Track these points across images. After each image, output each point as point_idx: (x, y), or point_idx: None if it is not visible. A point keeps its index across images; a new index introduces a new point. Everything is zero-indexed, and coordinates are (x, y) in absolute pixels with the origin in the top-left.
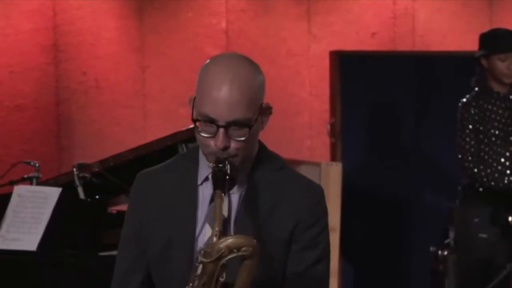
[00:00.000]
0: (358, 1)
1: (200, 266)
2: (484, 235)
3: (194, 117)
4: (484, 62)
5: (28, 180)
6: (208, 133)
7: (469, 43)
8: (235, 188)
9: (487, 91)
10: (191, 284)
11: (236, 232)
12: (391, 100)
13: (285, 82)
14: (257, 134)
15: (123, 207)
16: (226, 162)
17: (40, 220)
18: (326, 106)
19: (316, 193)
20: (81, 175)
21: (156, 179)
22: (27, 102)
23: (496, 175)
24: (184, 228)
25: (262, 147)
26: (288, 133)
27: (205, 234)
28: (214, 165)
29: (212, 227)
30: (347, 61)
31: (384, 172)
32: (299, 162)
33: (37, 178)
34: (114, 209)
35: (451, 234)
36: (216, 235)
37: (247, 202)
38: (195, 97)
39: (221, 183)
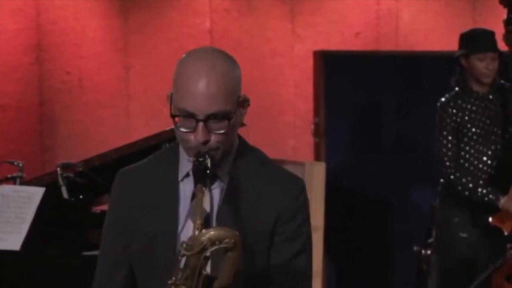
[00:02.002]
0: (342, 1)
1: (183, 260)
2: (464, 235)
3: (173, 112)
4: (463, 61)
5: (12, 180)
6: (187, 128)
7: (453, 43)
8: (217, 183)
9: (466, 91)
10: (174, 278)
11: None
12: (375, 100)
13: (269, 82)
14: (237, 127)
15: (107, 207)
16: (207, 156)
17: (23, 219)
18: (310, 106)
19: (298, 186)
20: (65, 174)
21: (137, 176)
22: (10, 102)
23: (471, 185)
24: (166, 224)
25: (242, 141)
26: (272, 133)
27: (188, 230)
28: (194, 159)
29: (194, 221)
30: (331, 61)
31: (367, 171)
32: (283, 162)
33: (21, 178)
34: (98, 208)
35: (434, 233)
36: (198, 228)
37: (229, 196)
38: (172, 93)
39: (202, 177)
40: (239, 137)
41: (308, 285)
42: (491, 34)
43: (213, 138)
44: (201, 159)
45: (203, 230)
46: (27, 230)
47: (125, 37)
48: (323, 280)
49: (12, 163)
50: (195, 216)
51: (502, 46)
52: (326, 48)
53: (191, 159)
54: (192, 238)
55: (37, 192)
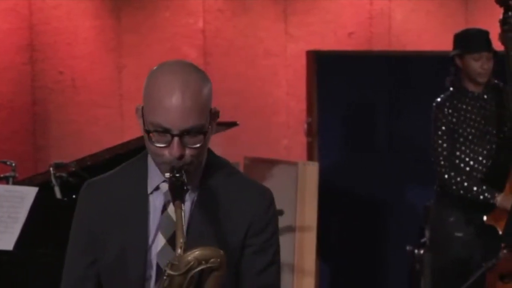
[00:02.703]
0: (335, 1)
1: (167, 280)
2: (459, 234)
3: (146, 127)
4: (458, 61)
5: (4, 180)
6: (162, 143)
7: (445, 43)
8: (187, 195)
9: (461, 91)
10: None
11: (190, 239)
12: (368, 99)
13: (262, 82)
14: (209, 140)
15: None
16: (183, 172)
17: (16, 219)
18: (303, 105)
19: (267, 198)
20: (57, 174)
21: (105, 187)
22: (3, 102)
23: (466, 184)
24: (136, 237)
25: (210, 153)
26: (265, 133)
27: (157, 243)
28: (171, 175)
29: (165, 236)
30: (324, 61)
31: (360, 171)
32: (276, 162)
33: (13, 177)
34: None
35: (427, 233)
36: (181, 247)
37: (199, 209)
38: (142, 107)
39: (179, 193)
40: (208, 149)
41: None
42: (485, 34)
43: (188, 152)
44: (178, 174)
45: (188, 250)
46: (20, 230)
47: (118, 37)
48: (316, 280)
49: (4, 162)
50: (177, 234)
51: (497, 45)
52: (319, 48)
53: (167, 174)
54: (178, 257)
55: (30, 192)
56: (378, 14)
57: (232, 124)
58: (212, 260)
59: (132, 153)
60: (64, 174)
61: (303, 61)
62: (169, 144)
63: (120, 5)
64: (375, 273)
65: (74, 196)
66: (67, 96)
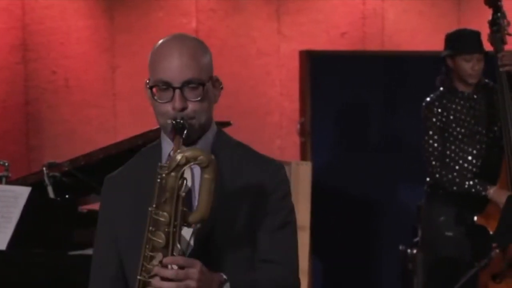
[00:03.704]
0: (328, 1)
1: (160, 183)
2: (450, 234)
3: (149, 84)
4: (449, 62)
5: None
6: (165, 99)
7: (438, 43)
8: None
9: (451, 91)
10: (154, 205)
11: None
12: (361, 99)
13: (255, 82)
14: (212, 104)
15: (94, 206)
16: (185, 121)
17: (9, 219)
18: (296, 105)
19: (277, 164)
20: (51, 174)
21: (123, 177)
22: None
23: (458, 180)
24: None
25: (219, 128)
26: (258, 133)
27: None
28: (173, 121)
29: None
30: (317, 61)
31: (354, 171)
32: None
33: (7, 177)
34: (84, 208)
35: (419, 233)
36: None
37: None
38: (148, 79)
39: (180, 131)
40: (217, 124)
41: (294, 256)
42: (477, 35)
43: (190, 106)
44: (179, 120)
45: (178, 150)
46: (13, 230)
47: (112, 37)
48: (309, 279)
49: None
50: (173, 151)
51: (487, 46)
52: (312, 48)
53: (169, 121)
54: (168, 160)
55: (23, 192)
56: (371, 14)
57: (226, 124)
58: (200, 157)
59: (125, 153)
60: (57, 174)
61: (296, 61)
62: (171, 99)
63: (113, 5)
64: (368, 272)
65: (67, 196)
66: (60, 96)
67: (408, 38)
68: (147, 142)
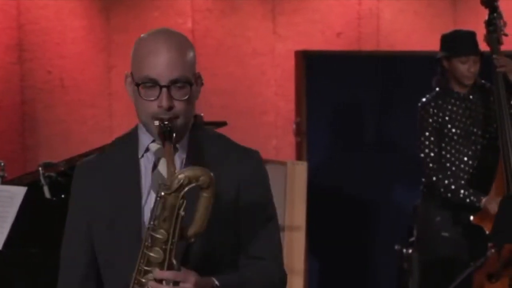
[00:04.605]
0: (323, 1)
1: (161, 202)
2: (446, 234)
3: (136, 81)
4: (445, 63)
5: None
6: (150, 96)
7: (433, 43)
8: (177, 155)
9: (447, 92)
10: (152, 223)
11: None
12: (356, 99)
13: (251, 82)
14: (195, 100)
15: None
16: (171, 122)
17: (5, 219)
18: (292, 105)
19: (255, 157)
20: (46, 174)
21: (95, 163)
22: None
23: (453, 187)
24: (129, 199)
25: (198, 118)
26: (253, 133)
27: (151, 202)
28: (160, 122)
29: (168, 169)
30: (313, 61)
31: (349, 171)
32: (265, 162)
33: (2, 177)
34: None
35: (415, 233)
36: (172, 173)
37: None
38: (131, 73)
39: (168, 137)
40: (196, 115)
41: (279, 250)
42: (473, 36)
43: (176, 105)
44: (166, 122)
45: (178, 171)
46: (9, 230)
47: (107, 37)
48: (305, 279)
49: None
50: (167, 166)
51: (483, 46)
52: (307, 48)
53: (156, 123)
54: (169, 179)
55: (19, 192)
56: (367, 14)
57: (221, 124)
58: (201, 178)
59: None
60: (53, 174)
61: (291, 61)
62: (157, 97)
63: (109, 5)
64: (363, 272)
65: (63, 196)
66: (56, 95)
67: (404, 38)
68: None
